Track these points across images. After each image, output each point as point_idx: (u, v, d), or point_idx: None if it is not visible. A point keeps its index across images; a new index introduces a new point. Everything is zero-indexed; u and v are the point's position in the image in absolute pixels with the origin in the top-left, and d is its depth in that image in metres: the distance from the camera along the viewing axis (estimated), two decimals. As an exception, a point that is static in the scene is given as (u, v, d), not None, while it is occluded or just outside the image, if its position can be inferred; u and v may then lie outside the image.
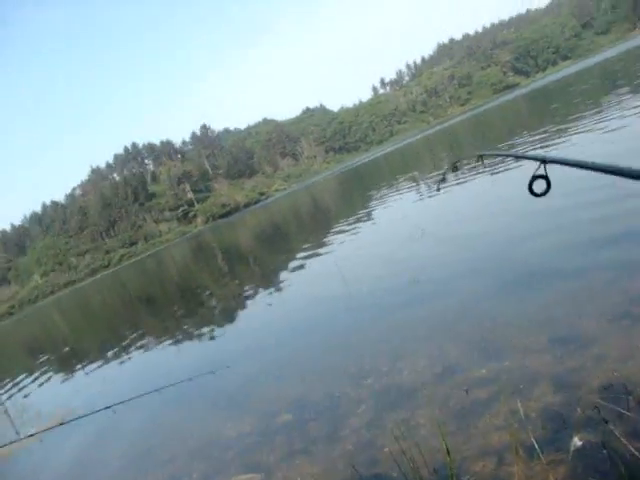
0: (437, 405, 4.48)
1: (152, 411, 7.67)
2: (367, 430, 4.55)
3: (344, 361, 6.29)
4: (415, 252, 10.13)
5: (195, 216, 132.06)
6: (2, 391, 14.83)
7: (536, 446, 3.36)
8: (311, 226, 24.56)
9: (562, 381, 4.07)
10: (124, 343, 13.59)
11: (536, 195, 2.40)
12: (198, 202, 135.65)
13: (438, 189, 16.05)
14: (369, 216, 17.34)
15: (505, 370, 4.57)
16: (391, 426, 4.39)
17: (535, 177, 2.36)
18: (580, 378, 4.00)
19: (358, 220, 17.44)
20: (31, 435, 6.01)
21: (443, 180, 15.36)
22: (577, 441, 3.34)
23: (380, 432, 4.41)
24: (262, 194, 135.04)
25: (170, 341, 11.69)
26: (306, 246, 16.56)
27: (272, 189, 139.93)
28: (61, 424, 4.26)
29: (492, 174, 15.04)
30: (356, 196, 30.52)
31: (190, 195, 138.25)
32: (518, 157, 2.88)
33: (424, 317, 6.64)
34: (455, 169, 6.47)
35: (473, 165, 17.39)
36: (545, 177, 2.37)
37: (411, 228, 11.98)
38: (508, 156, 3.31)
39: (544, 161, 2.34)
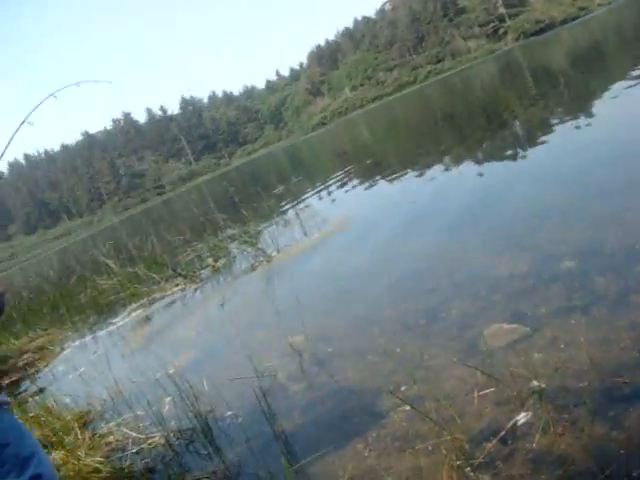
0: None
1: (427, 234, 7.39)
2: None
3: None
4: None
5: (505, 33, 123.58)
6: (304, 196, 15.91)
7: None
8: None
9: None
10: (423, 161, 13.37)
11: None
12: (510, 18, 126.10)
13: None
14: None
15: None
16: None
17: None
18: None
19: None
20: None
21: None
22: None
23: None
24: (582, 9, 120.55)
25: (470, 162, 11.21)
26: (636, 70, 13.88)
27: (595, 3, 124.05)
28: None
29: None
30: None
31: (502, 10, 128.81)
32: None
33: None
34: None
35: None
36: None
37: None
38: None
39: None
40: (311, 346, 5.11)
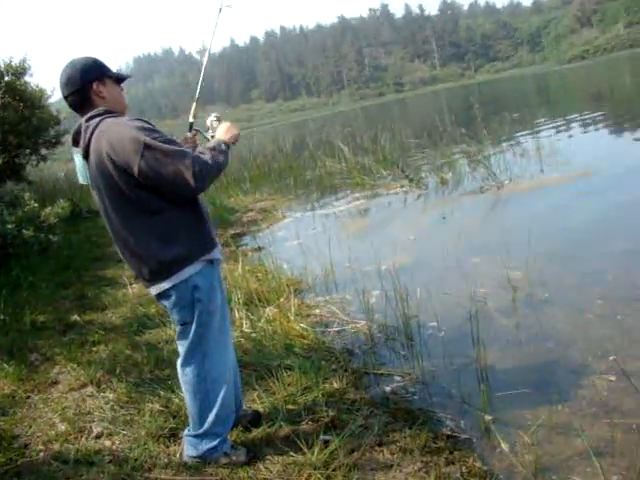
0: None
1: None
2: None
3: None
4: None
5: None
6: (544, 129, 15.08)
7: None
8: None
9: None
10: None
11: None
12: None
13: None
14: None
15: None
16: None
17: None
18: None
19: None
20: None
21: None
22: None
23: None
24: None
25: None
26: None
27: None
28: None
29: None
30: None
31: None
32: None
33: None
34: None
35: None
36: None
37: None
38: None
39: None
40: (528, 286, 4.97)
